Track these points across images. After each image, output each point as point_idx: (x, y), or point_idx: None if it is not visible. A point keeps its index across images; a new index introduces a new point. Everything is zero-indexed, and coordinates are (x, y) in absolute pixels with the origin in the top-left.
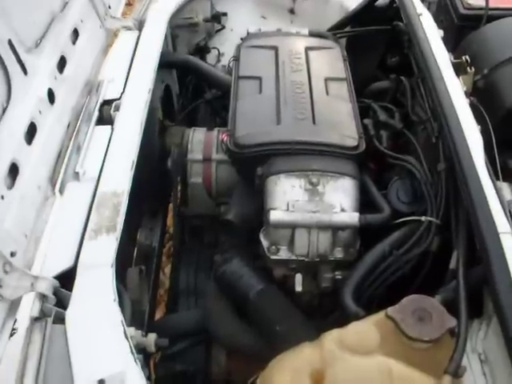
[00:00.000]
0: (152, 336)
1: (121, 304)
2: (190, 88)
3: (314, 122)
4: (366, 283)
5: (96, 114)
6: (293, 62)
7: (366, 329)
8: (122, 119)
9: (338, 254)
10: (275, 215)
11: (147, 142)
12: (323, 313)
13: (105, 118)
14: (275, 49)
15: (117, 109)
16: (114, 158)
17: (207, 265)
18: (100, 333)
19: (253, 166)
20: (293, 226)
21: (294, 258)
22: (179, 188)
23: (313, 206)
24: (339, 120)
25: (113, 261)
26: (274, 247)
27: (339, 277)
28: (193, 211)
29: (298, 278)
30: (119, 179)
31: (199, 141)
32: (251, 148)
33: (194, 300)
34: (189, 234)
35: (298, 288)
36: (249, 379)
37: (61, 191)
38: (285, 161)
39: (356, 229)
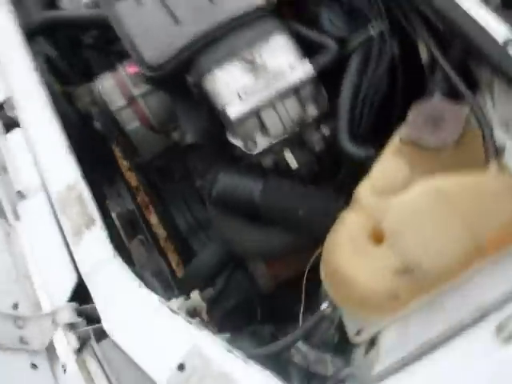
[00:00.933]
0: (195, 294)
1: (147, 285)
2: (67, 43)
3: (211, 1)
4: (355, 121)
5: None
6: None
7: (389, 164)
8: (25, 112)
9: (312, 111)
10: (233, 110)
11: (63, 119)
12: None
13: (8, 123)
14: None
15: (12, 107)
16: (45, 154)
17: (195, 197)
18: (147, 324)
19: (180, 79)
20: (256, 112)
21: (274, 141)
22: (121, 142)
23: (262, 81)
24: None
25: (112, 251)
26: (249, 142)
27: (327, 132)
28: (147, 156)
29: (289, 156)
30: (64, 171)
31: (112, 87)
32: (168, 64)
33: (204, 235)
34: (158, 180)
35: (294, 165)
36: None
37: (16, 218)
38: (207, 56)
39: (315, 78)
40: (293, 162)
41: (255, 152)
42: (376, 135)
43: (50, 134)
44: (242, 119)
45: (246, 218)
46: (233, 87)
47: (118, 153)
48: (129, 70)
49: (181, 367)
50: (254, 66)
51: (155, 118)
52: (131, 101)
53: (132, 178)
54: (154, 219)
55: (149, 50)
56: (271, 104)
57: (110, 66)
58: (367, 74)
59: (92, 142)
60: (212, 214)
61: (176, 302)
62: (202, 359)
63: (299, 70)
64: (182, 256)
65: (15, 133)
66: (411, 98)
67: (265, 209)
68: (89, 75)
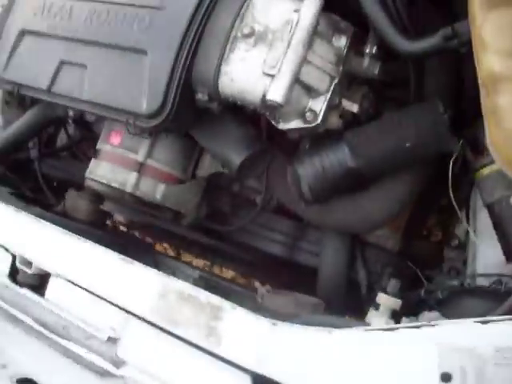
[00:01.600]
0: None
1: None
2: None
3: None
4: (394, 17)
5: None
6: None
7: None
8: None
9: (342, 41)
10: (275, 93)
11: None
12: None
13: None
14: None
15: None
16: None
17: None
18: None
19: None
20: (296, 78)
21: (328, 95)
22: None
23: (278, 44)
24: None
25: None
26: (308, 114)
27: (372, 49)
28: (192, 212)
29: (347, 103)
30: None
31: (110, 169)
32: (167, 100)
33: (305, 243)
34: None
35: (355, 108)
36: None
37: None
38: (202, 60)
39: (322, 7)
40: (353, 107)
41: (319, 120)
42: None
43: None
44: (288, 95)
45: (347, 194)
46: (254, 71)
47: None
48: (113, 140)
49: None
50: (257, 36)
51: (176, 167)
52: (140, 168)
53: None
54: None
55: (137, 101)
56: (302, 60)
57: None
58: None
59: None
60: (311, 214)
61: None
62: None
63: (304, 8)
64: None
65: None
66: None
67: (366, 167)
68: None
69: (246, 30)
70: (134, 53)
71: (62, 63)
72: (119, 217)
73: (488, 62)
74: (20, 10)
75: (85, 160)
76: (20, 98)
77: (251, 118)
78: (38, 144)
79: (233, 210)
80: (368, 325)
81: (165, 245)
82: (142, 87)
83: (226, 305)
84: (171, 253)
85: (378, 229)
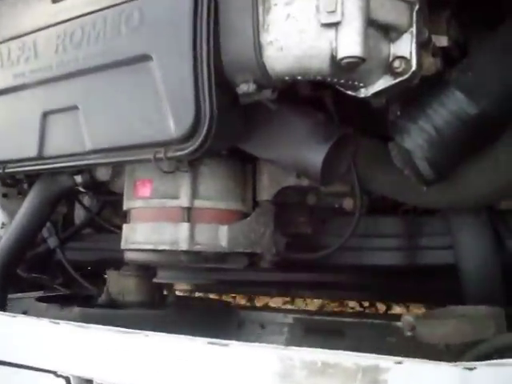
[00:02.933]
0: None
1: None
2: None
3: None
4: None
5: None
6: None
7: None
8: None
9: None
10: (344, 46)
11: None
12: None
13: None
14: None
15: None
16: None
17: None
18: None
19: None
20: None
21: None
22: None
23: None
24: None
25: None
26: (397, 62)
27: None
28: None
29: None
30: None
31: (152, 227)
32: (198, 115)
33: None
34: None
35: (444, 42)
36: None
37: None
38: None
39: None
40: (442, 40)
41: (413, 66)
42: None
43: None
44: (366, 43)
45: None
46: (309, 26)
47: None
48: (142, 193)
49: None
50: None
51: (232, 200)
52: (189, 215)
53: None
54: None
55: (160, 125)
56: None
57: None
58: None
59: None
60: (436, 196)
61: None
62: None
63: None
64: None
65: None
66: None
67: (493, 108)
68: None
69: None
70: (134, 63)
71: (46, 115)
72: (180, 285)
73: None
74: None
75: (113, 230)
76: (17, 185)
77: (313, 100)
78: (53, 230)
79: (316, 229)
80: None
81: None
82: (160, 105)
83: (383, 362)
84: (241, 301)
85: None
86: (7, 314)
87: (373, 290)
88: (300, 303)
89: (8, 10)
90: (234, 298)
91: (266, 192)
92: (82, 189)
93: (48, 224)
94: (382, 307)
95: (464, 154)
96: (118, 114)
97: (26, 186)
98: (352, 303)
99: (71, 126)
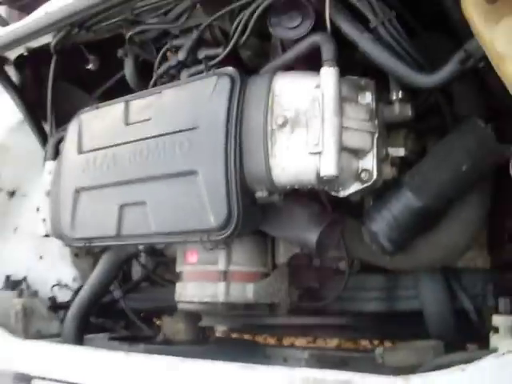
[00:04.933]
0: None
1: None
2: None
3: None
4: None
5: None
6: None
7: None
8: None
9: (368, 98)
10: (327, 168)
11: None
12: None
13: None
14: None
15: None
16: None
17: None
18: None
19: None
20: (340, 147)
21: (374, 151)
22: None
23: (314, 122)
24: None
25: None
26: (363, 174)
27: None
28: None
29: (393, 150)
30: None
31: (196, 286)
32: (235, 209)
33: None
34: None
35: (402, 152)
36: None
37: None
38: (253, 170)
39: (338, 71)
40: (399, 151)
41: (375, 176)
42: None
43: None
44: (339, 165)
45: (424, 233)
46: (301, 155)
47: None
48: (191, 260)
49: None
50: (292, 122)
51: (257, 264)
52: (225, 276)
53: None
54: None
55: (204, 218)
56: (340, 128)
57: None
58: None
59: None
60: (396, 263)
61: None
62: None
63: (324, 81)
64: None
65: None
66: None
67: (432, 203)
68: None
69: (280, 121)
70: (185, 176)
71: (123, 207)
72: (220, 327)
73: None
74: (68, 172)
75: (165, 284)
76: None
77: (311, 194)
78: (118, 284)
79: (321, 284)
80: (496, 351)
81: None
82: (204, 205)
83: (354, 377)
84: (272, 341)
85: (463, 255)
86: (93, 348)
87: (360, 331)
88: (321, 342)
89: (90, 128)
90: (265, 339)
91: (282, 257)
92: (143, 254)
93: None
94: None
95: (414, 233)
96: (174, 208)
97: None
98: (364, 342)
99: (141, 215)
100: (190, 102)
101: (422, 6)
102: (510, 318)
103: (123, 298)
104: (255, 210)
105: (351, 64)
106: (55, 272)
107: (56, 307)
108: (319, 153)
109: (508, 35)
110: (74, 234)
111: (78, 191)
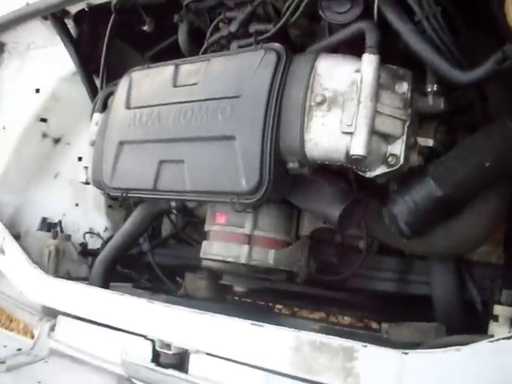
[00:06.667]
0: None
1: None
2: None
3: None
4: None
5: None
6: None
7: None
8: None
9: (403, 87)
10: (357, 148)
11: None
12: None
13: None
14: None
15: None
16: None
17: None
18: None
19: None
20: (371, 130)
21: (404, 138)
22: None
23: (349, 104)
24: None
25: None
26: (390, 158)
27: (433, 87)
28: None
29: (422, 140)
30: None
31: (225, 246)
32: (264, 174)
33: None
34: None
35: (431, 143)
36: None
37: None
38: (286, 133)
39: (380, 59)
40: (428, 142)
41: (401, 162)
42: None
43: None
44: (369, 147)
45: (443, 222)
46: (334, 133)
47: None
48: (219, 220)
49: None
50: (329, 102)
51: (281, 232)
52: (250, 240)
53: None
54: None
55: (236, 182)
56: (374, 113)
57: None
58: None
59: None
60: (413, 247)
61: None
62: None
63: (364, 67)
64: None
65: None
66: None
67: (453, 194)
68: None
69: (319, 99)
70: (224, 140)
71: (161, 162)
72: (238, 288)
73: None
74: (115, 125)
75: (192, 243)
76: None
77: (340, 172)
78: (147, 238)
79: (340, 260)
80: (492, 337)
81: (279, 306)
82: (238, 169)
83: (357, 345)
84: (286, 312)
85: (477, 247)
86: (117, 292)
87: (371, 310)
88: (333, 319)
89: (139, 86)
90: (281, 310)
91: (305, 229)
92: (174, 211)
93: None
94: None
95: (433, 221)
96: (210, 169)
97: (131, 203)
98: (375, 325)
99: (178, 172)
100: (237, 72)
101: (469, 5)
102: (509, 309)
103: (151, 252)
104: (285, 180)
105: (393, 53)
106: (88, 220)
107: (86, 253)
108: (351, 133)
109: None
110: (114, 183)
111: (121, 143)
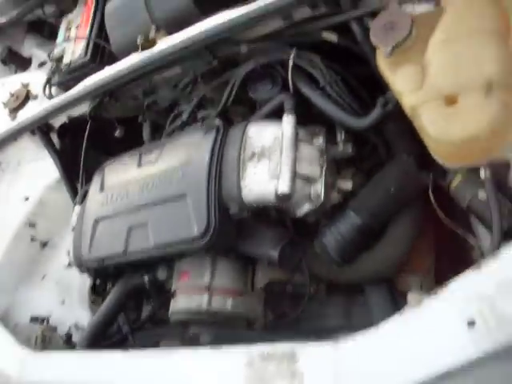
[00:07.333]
0: None
1: None
2: None
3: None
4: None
5: None
6: None
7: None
8: None
9: (320, 141)
10: (280, 187)
11: None
12: None
13: None
14: None
15: None
16: None
17: None
18: None
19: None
20: (294, 173)
21: (322, 178)
22: None
23: (274, 157)
24: None
25: None
26: (313, 197)
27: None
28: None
29: (342, 183)
30: None
31: (186, 301)
32: (214, 217)
33: None
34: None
35: (349, 186)
36: None
37: None
38: (225, 187)
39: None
40: (348, 184)
41: (322, 198)
42: None
43: None
44: (293, 186)
45: (368, 248)
46: (264, 178)
47: None
48: (183, 279)
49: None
50: (258, 155)
51: (237, 283)
52: (209, 290)
53: None
54: None
55: (189, 229)
56: (294, 159)
57: None
58: None
59: None
60: (344, 275)
61: None
62: None
63: (284, 125)
64: None
65: None
66: None
67: (371, 220)
68: None
69: (250, 154)
70: (178, 198)
71: (130, 229)
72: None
73: (406, 102)
74: (91, 207)
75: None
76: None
77: (278, 220)
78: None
79: (293, 309)
80: None
81: None
82: (191, 219)
83: (297, 346)
84: None
85: (401, 269)
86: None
87: None
88: None
89: (111, 172)
90: None
91: (259, 282)
92: (147, 286)
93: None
94: None
95: (358, 247)
96: (169, 224)
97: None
98: None
99: (143, 233)
100: (186, 146)
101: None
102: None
103: (131, 335)
104: (230, 225)
105: (311, 116)
106: (74, 315)
107: (71, 343)
108: (277, 177)
109: (402, 77)
110: (91, 255)
111: (96, 221)
